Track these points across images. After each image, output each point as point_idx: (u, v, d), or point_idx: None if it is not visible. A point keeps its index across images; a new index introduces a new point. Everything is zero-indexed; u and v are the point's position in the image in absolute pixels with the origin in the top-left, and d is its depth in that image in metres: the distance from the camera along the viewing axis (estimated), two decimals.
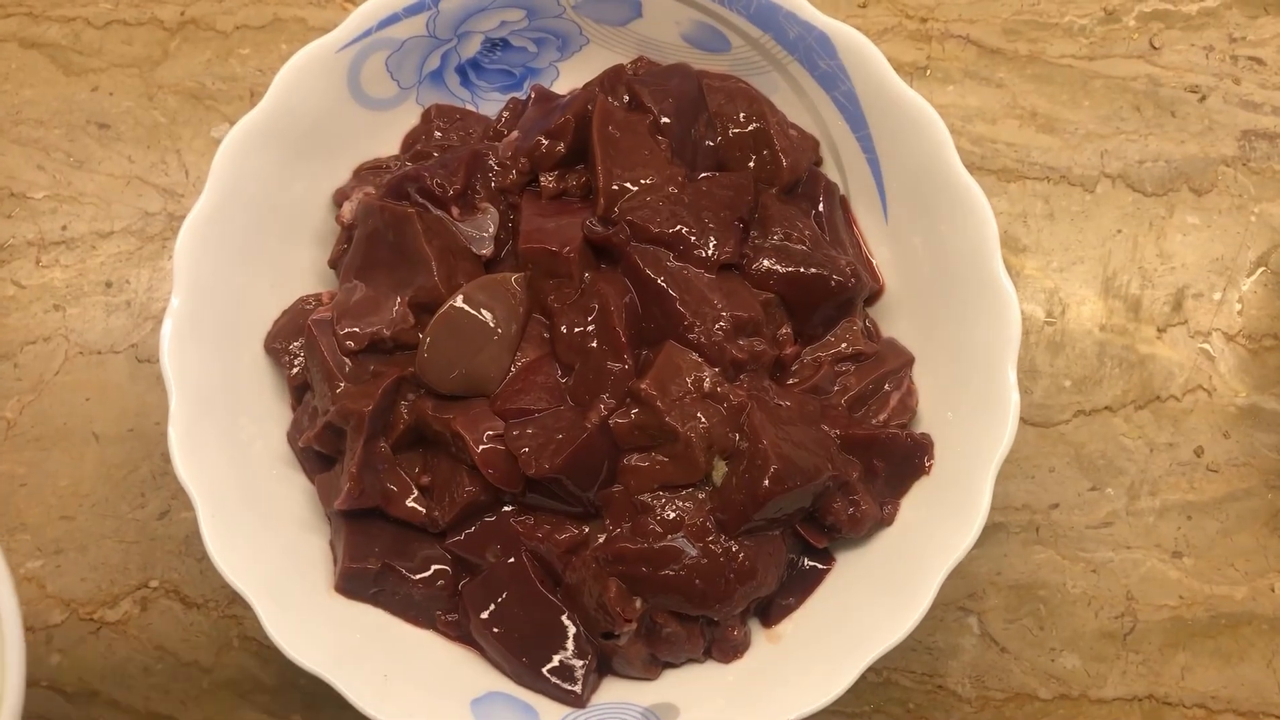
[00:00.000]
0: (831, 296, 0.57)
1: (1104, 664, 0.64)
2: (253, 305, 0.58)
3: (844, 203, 0.61)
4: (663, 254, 0.56)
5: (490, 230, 0.57)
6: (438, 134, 0.61)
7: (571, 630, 0.55)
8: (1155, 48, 0.70)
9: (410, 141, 0.61)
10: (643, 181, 0.57)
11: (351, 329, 0.55)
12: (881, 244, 0.60)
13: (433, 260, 0.55)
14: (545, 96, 0.61)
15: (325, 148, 0.59)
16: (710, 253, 0.56)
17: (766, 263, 0.57)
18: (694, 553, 0.53)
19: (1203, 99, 0.69)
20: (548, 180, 0.58)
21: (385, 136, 0.61)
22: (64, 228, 0.69)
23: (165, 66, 0.71)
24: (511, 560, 0.55)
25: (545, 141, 0.57)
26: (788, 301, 0.57)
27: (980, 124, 0.69)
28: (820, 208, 0.60)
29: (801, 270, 0.57)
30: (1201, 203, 0.68)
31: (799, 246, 0.57)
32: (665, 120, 0.58)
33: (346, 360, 0.55)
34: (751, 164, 0.59)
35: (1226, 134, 0.69)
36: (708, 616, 0.55)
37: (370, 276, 0.57)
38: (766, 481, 0.52)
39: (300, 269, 0.60)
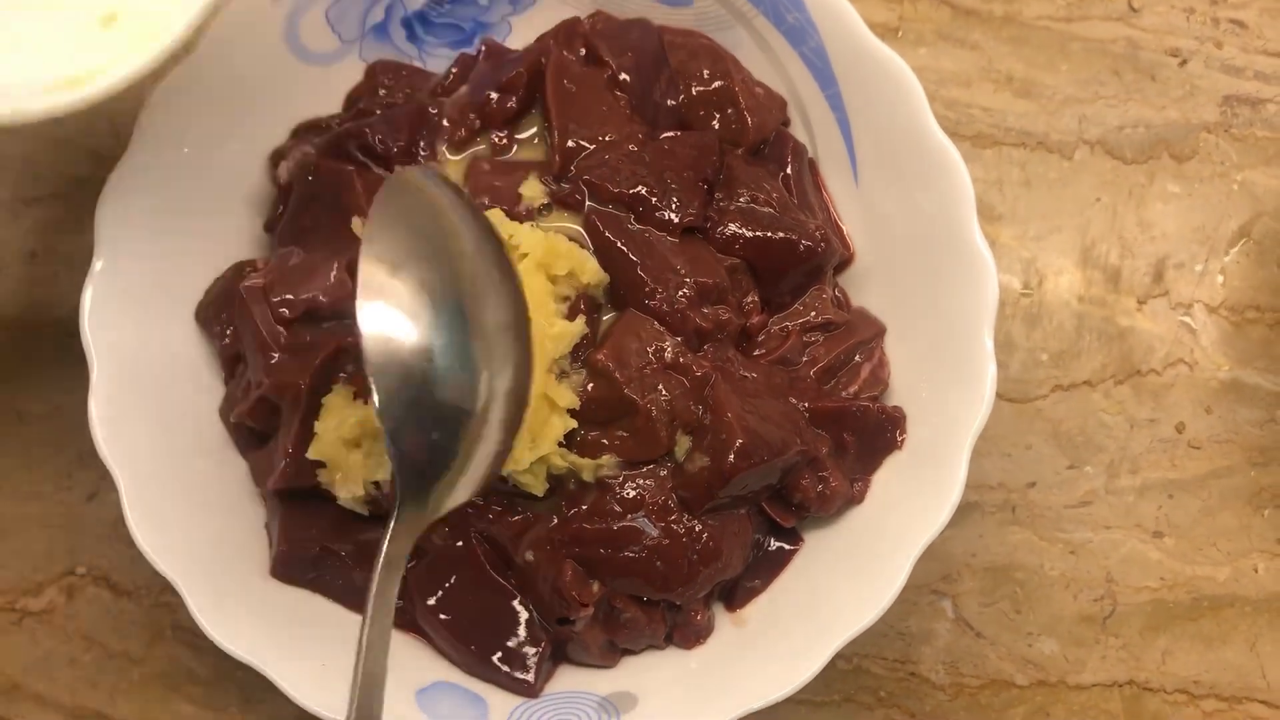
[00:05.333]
0: (800, 262, 0.54)
1: (1083, 648, 0.61)
2: (183, 271, 0.54)
3: (812, 165, 0.58)
4: (623, 216, 0.52)
5: None
6: (382, 91, 0.57)
7: (524, 616, 0.52)
8: (1135, 9, 0.67)
9: (353, 99, 0.58)
10: (601, 139, 0.53)
11: (286, 296, 0.52)
12: (851, 208, 0.57)
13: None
14: (496, 51, 0.58)
15: (261, 104, 0.56)
16: (673, 215, 0.53)
17: (732, 226, 0.54)
18: (655, 533, 0.51)
19: (1184, 63, 0.67)
20: (498, 138, 0.55)
21: (326, 93, 0.58)
22: None
23: None
24: (460, 543, 0.52)
25: (495, 96, 0.54)
26: (754, 267, 0.54)
27: (954, 88, 0.66)
28: (788, 170, 0.57)
29: (769, 235, 0.54)
30: (1182, 170, 0.66)
31: (766, 209, 0.54)
32: (624, 76, 0.55)
33: (281, 330, 0.52)
34: (716, 124, 0.56)
35: (1208, 99, 0.66)
36: (669, 600, 0.52)
37: (308, 241, 0.53)
38: (731, 457, 0.49)
39: (234, 233, 0.56)
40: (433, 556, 0.52)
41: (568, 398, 0.50)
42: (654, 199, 0.52)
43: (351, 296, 0.51)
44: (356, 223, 0.51)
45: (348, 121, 0.56)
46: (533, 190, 0.53)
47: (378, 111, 0.56)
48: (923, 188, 0.54)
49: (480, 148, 0.55)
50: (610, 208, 0.52)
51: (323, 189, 0.53)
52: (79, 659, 0.61)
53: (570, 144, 0.53)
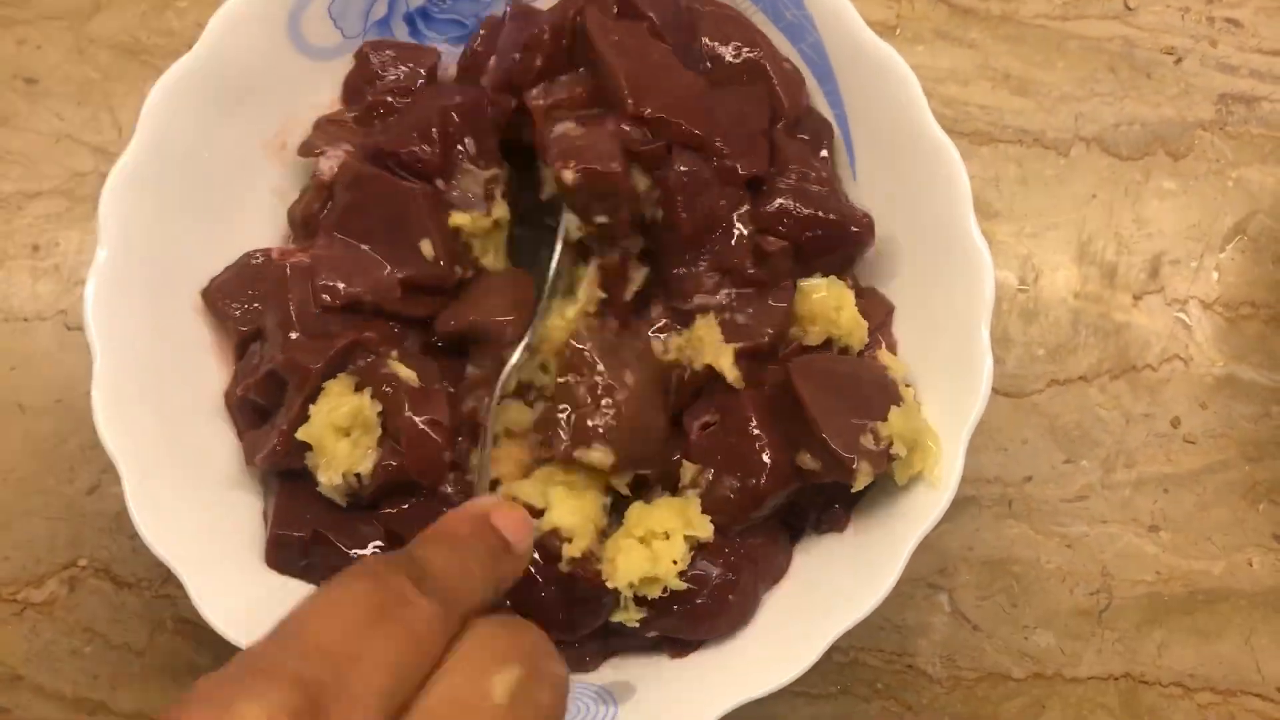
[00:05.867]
0: (847, 245, 0.54)
1: (1079, 642, 0.61)
2: (184, 261, 0.54)
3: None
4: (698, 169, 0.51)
5: (478, 191, 0.53)
6: (384, 76, 0.56)
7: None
8: (1130, 8, 0.68)
9: (352, 88, 0.57)
10: (663, 83, 0.51)
11: (333, 283, 0.52)
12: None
13: (440, 243, 0.52)
14: (524, 12, 0.55)
15: (263, 98, 0.56)
16: (740, 165, 0.52)
17: (781, 202, 0.52)
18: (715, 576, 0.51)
19: (1179, 61, 0.67)
20: (535, 98, 0.52)
21: (329, 88, 0.58)
22: None
23: (98, 19, 0.67)
24: None
25: (518, 56, 0.53)
26: (799, 246, 0.53)
27: (952, 85, 0.67)
28: (824, 151, 0.56)
29: (820, 214, 0.53)
30: (1178, 167, 0.66)
31: (816, 189, 0.53)
32: (664, 30, 0.53)
33: (316, 312, 0.52)
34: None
35: (1203, 97, 0.67)
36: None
37: (358, 237, 0.53)
38: (764, 479, 0.50)
39: (235, 223, 0.56)
40: None
41: (704, 528, 0.51)
42: (724, 148, 0.51)
43: (398, 302, 0.52)
44: (425, 245, 0.52)
45: (360, 119, 0.56)
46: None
47: (388, 98, 0.55)
48: (919, 182, 0.54)
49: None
50: (685, 153, 0.51)
51: (382, 201, 0.53)
52: (80, 650, 0.61)
53: (642, 82, 0.50)
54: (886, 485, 0.53)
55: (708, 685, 0.51)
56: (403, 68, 0.56)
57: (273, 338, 0.52)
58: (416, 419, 0.51)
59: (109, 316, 0.51)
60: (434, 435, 0.51)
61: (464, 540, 0.36)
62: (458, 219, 0.53)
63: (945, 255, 0.53)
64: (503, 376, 0.51)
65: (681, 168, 0.50)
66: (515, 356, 0.51)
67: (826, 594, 0.52)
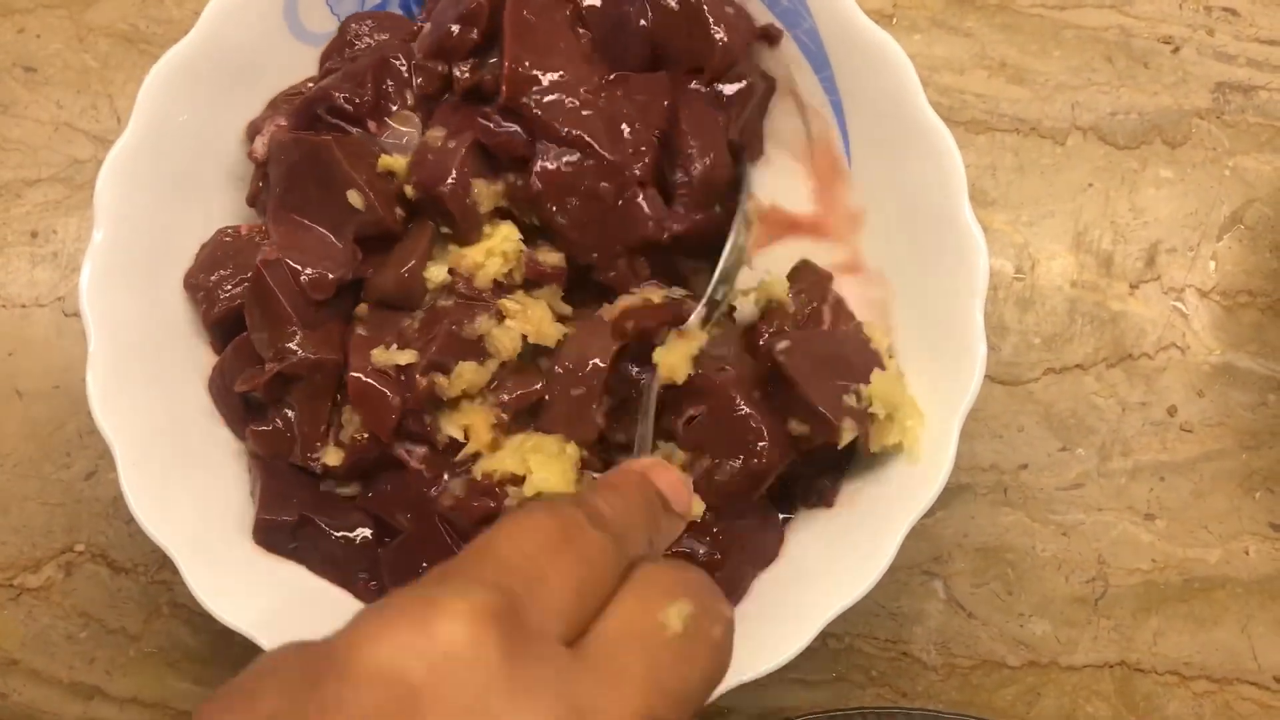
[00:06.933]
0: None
1: (1074, 629, 0.61)
2: (182, 245, 0.54)
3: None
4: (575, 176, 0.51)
5: (412, 138, 0.53)
6: (358, 45, 0.56)
7: None
8: None
9: (325, 59, 0.57)
10: (553, 77, 0.51)
11: (315, 275, 0.51)
12: (844, 188, 0.57)
13: (367, 190, 0.51)
14: None
15: (259, 83, 0.56)
16: (623, 165, 0.51)
17: (679, 177, 0.53)
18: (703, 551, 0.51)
19: (1176, 50, 0.67)
20: (461, 71, 0.52)
21: None
22: None
23: (97, 7, 0.68)
24: (427, 526, 0.52)
25: (455, 29, 0.52)
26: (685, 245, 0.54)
27: (948, 74, 0.67)
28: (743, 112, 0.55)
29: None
30: (1175, 156, 0.66)
31: (703, 164, 0.53)
32: (592, 2, 0.53)
33: (309, 307, 0.52)
34: (684, 45, 0.54)
35: (1200, 86, 0.67)
36: None
37: (303, 213, 0.53)
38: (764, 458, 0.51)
39: (232, 207, 0.56)
40: (404, 538, 0.52)
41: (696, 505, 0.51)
42: (602, 149, 0.51)
43: (363, 263, 0.52)
44: (353, 195, 0.51)
45: (316, 83, 0.55)
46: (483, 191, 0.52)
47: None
48: (914, 167, 0.54)
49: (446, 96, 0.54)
50: (558, 149, 0.51)
51: (305, 162, 0.52)
52: (76, 635, 0.61)
53: (521, 72, 0.51)
54: (880, 468, 0.53)
55: None
56: (379, 36, 0.56)
57: (271, 336, 0.52)
58: (357, 371, 0.51)
59: (104, 299, 0.51)
60: (374, 384, 0.51)
61: (628, 491, 0.37)
62: (388, 162, 0.52)
63: (939, 239, 0.53)
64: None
65: (549, 165, 0.50)
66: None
67: (819, 578, 0.52)
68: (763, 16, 0.57)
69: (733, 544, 0.52)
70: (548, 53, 0.51)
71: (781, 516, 0.55)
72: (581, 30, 0.53)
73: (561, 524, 0.32)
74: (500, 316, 0.50)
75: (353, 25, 0.56)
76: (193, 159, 0.54)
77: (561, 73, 0.51)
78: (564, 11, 0.53)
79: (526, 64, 0.51)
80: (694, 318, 0.52)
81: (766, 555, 0.53)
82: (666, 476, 0.39)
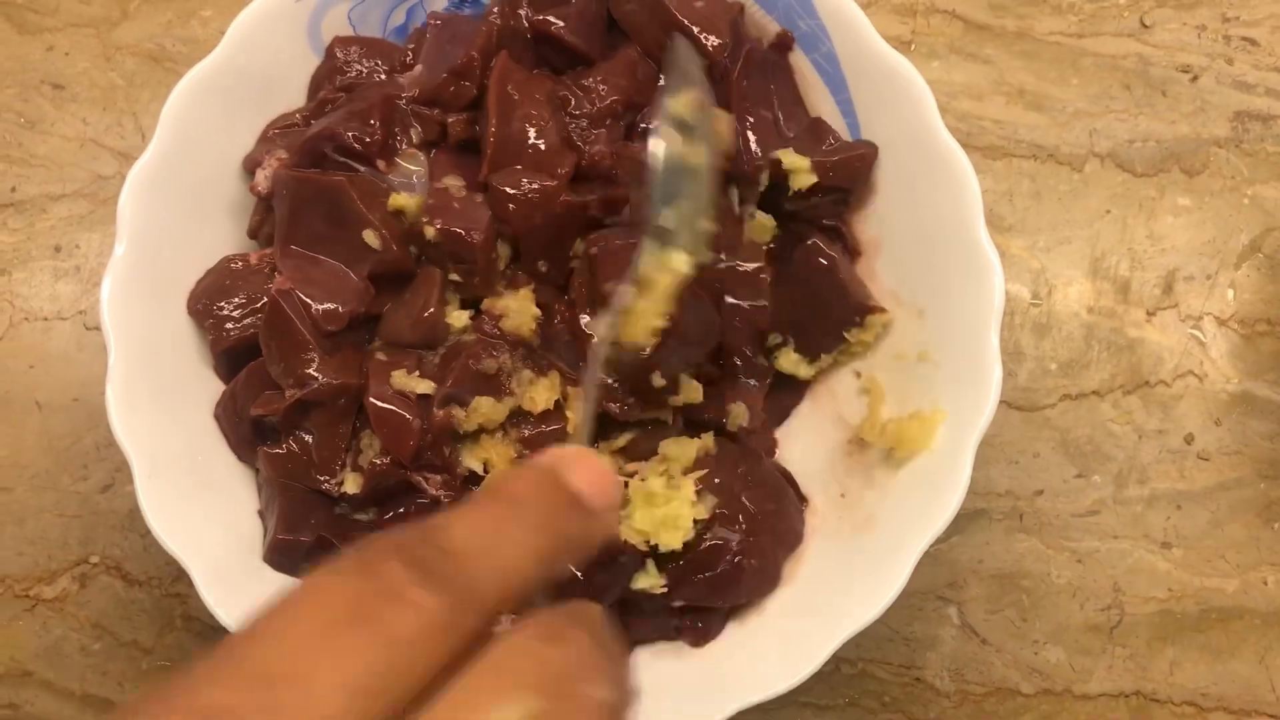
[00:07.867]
0: None
1: (1089, 658, 0.61)
2: (203, 261, 0.55)
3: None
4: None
5: (420, 176, 0.54)
6: (346, 72, 0.56)
7: None
8: (1146, 26, 0.68)
9: (315, 85, 0.57)
10: (525, 159, 0.53)
11: (328, 308, 0.51)
12: (860, 211, 0.58)
13: (382, 230, 0.51)
14: (448, 22, 0.56)
15: (283, 102, 0.56)
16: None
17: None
18: (736, 543, 0.52)
19: (1194, 79, 0.67)
20: (455, 123, 0.53)
21: None
22: (13, 189, 0.66)
23: (124, 27, 0.69)
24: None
25: (450, 85, 0.53)
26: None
27: (966, 100, 0.67)
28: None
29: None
30: (1193, 184, 0.66)
31: None
32: (571, 40, 0.54)
33: (324, 338, 0.52)
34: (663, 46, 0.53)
35: (1219, 115, 0.67)
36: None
37: (313, 248, 0.52)
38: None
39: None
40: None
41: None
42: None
43: (376, 300, 0.52)
44: (369, 235, 0.51)
45: (312, 115, 0.55)
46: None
47: (342, 95, 0.55)
48: (930, 190, 0.54)
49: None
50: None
51: (314, 199, 0.52)
52: (89, 647, 0.61)
53: (499, 159, 0.52)
54: (895, 491, 0.53)
55: (711, 688, 0.51)
56: (367, 63, 0.56)
57: (287, 365, 0.52)
58: (379, 398, 0.51)
59: (125, 313, 0.51)
60: (398, 410, 0.51)
61: (518, 500, 0.29)
62: (398, 200, 0.52)
63: (954, 261, 0.53)
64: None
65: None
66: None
67: (831, 601, 0.52)
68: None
69: (760, 528, 0.52)
70: (521, 133, 0.52)
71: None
72: (563, 96, 0.54)
73: (358, 591, 0.25)
74: (536, 372, 0.52)
75: (338, 51, 0.56)
76: (215, 177, 0.55)
77: (537, 156, 0.52)
78: (546, 84, 0.53)
79: (506, 142, 0.52)
80: (638, 259, 0.47)
81: (792, 540, 0.53)
82: (585, 471, 0.31)
